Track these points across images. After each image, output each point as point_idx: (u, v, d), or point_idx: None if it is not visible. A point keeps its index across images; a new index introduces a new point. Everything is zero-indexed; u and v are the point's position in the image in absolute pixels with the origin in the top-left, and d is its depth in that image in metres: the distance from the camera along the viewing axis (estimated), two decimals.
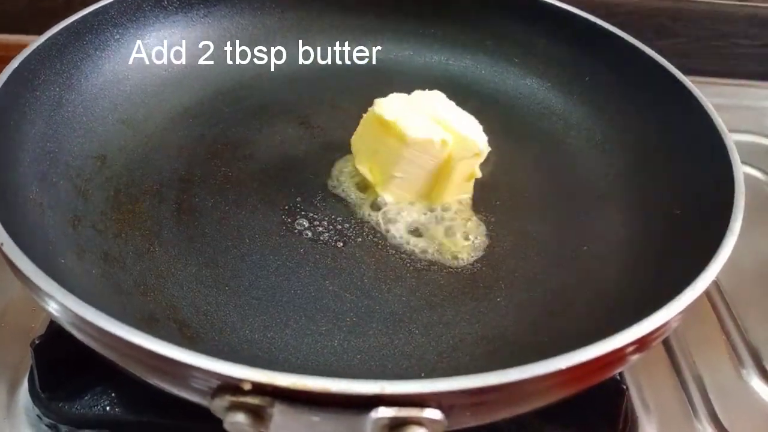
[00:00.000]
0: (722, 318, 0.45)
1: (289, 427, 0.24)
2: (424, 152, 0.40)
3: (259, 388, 0.25)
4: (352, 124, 0.48)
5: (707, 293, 0.46)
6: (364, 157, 0.42)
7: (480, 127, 0.41)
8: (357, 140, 0.43)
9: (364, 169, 0.42)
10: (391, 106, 0.40)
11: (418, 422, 0.25)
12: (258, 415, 0.25)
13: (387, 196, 0.41)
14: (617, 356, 0.28)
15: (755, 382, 0.41)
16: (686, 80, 0.44)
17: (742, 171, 0.37)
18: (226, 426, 0.25)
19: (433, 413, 0.25)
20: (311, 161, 0.45)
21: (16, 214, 0.35)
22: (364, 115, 0.42)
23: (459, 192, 0.42)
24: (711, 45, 0.70)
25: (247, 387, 0.25)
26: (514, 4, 0.51)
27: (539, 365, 0.26)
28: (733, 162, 0.37)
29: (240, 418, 0.25)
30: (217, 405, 0.25)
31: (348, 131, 0.47)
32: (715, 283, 0.47)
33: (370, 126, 0.41)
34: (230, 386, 0.25)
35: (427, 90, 0.42)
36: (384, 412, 0.25)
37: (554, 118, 0.49)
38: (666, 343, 0.42)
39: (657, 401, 0.39)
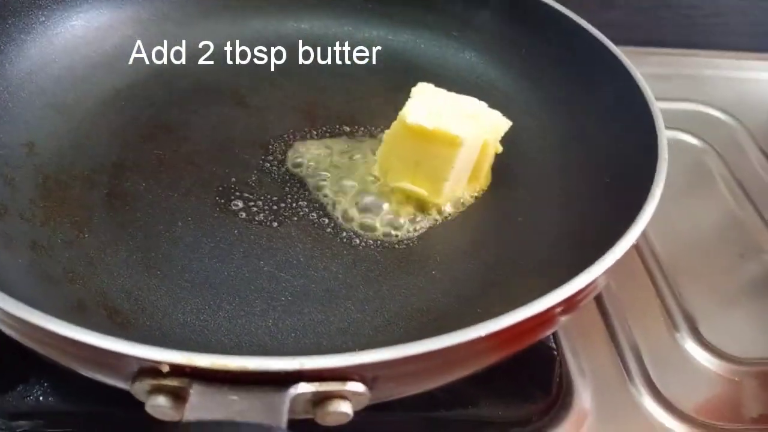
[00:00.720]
0: (657, 283, 0.46)
1: (207, 408, 0.24)
2: (472, 148, 0.39)
3: (177, 370, 0.25)
4: (290, 102, 0.48)
5: (642, 259, 0.47)
6: (401, 173, 0.40)
7: (485, 105, 0.41)
8: (387, 158, 0.41)
9: (406, 185, 0.40)
10: (418, 113, 0.38)
11: (341, 396, 0.25)
12: (179, 396, 0.25)
13: (446, 205, 0.41)
14: (544, 319, 0.28)
15: (689, 345, 0.43)
16: (616, 49, 0.44)
17: (665, 137, 0.37)
18: (147, 409, 0.25)
19: (356, 386, 0.25)
20: (247, 141, 0.45)
21: None
22: (387, 131, 0.41)
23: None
24: (656, 16, 0.71)
25: (165, 369, 0.25)
26: None
27: (459, 334, 0.26)
28: (657, 129, 0.37)
29: (161, 401, 0.25)
30: (138, 388, 0.25)
31: (285, 109, 0.47)
32: (651, 249, 0.48)
33: (404, 139, 0.39)
34: (149, 369, 0.25)
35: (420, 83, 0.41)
36: (304, 388, 0.25)
37: (494, 91, 0.49)
38: (601, 308, 0.43)
39: (592, 366, 0.40)
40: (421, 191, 0.40)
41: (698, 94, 0.63)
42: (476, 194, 0.42)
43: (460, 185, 0.41)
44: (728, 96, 0.63)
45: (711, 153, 0.57)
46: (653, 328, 0.43)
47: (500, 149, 0.42)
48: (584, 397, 0.38)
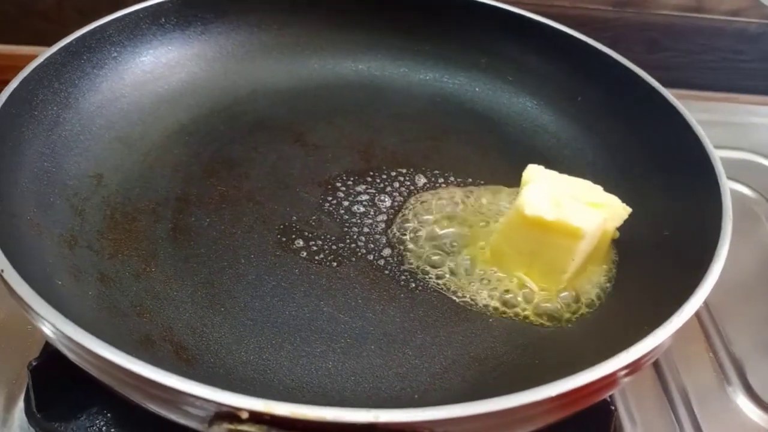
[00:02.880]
0: (708, 332, 0.46)
1: None
2: (593, 238, 0.38)
3: (255, 416, 0.25)
4: (347, 141, 0.49)
5: None
6: (515, 262, 0.39)
7: (601, 189, 0.39)
8: (502, 247, 0.40)
9: (522, 277, 0.39)
10: (537, 203, 0.37)
11: None
12: None
13: (566, 291, 0.39)
14: (608, 381, 0.29)
15: (740, 398, 0.42)
16: (674, 100, 0.45)
17: (729, 196, 0.38)
18: None
19: None
20: (306, 180, 0.46)
21: (14, 235, 0.35)
22: (501, 219, 0.39)
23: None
24: (701, 59, 0.71)
25: (244, 416, 0.25)
26: (507, 23, 0.51)
27: (529, 393, 0.26)
28: (721, 186, 0.38)
29: None
30: None
31: (343, 149, 0.48)
32: None
33: (520, 229, 0.38)
34: (227, 414, 0.26)
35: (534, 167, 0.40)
36: None
37: (547, 136, 0.50)
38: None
39: (644, 417, 0.40)
40: (535, 286, 0.39)
41: (744, 141, 0.63)
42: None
43: (579, 272, 0.39)
44: None
45: (760, 201, 0.57)
46: (703, 378, 0.43)
47: (617, 235, 0.40)
48: None
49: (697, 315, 0.47)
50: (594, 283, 0.40)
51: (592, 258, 0.40)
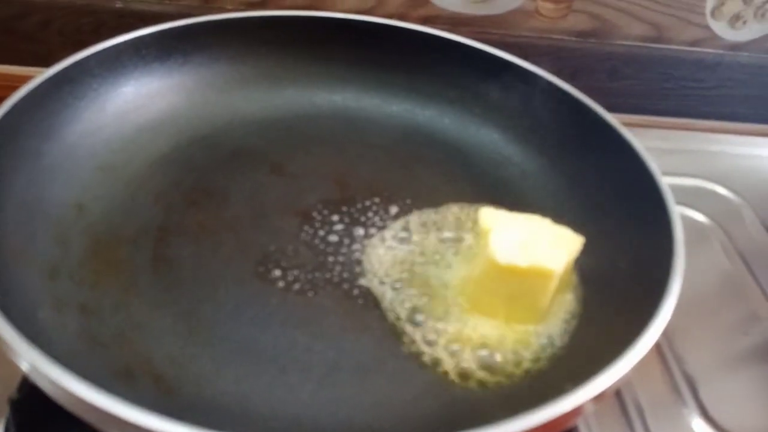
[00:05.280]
0: (663, 353, 0.49)
1: None
2: (561, 273, 0.39)
3: None
4: (323, 170, 0.50)
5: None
6: (495, 308, 0.41)
7: (550, 221, 0.41)
8: (479, 299, 0.41)
9: (499, 324, 0.41)
10: (507, 251, 0.38)
11: None
12: None
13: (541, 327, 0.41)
14: (572, 416, 0.31)
15: (696, 420, 0.45)
16: (624, 130, 0.48)
17: (682, 233, 0.40)
18: None
19: None
20: (284, 209, 0.47)
21: None
22: (477, 271, 0.41)
23: None
24: (661, 87, 0.75)
25: None
26: (473, 59, 0.53)
27: (513, 422, 0.29)
28: (674, 225, 0.40)
29: None
30: None
31: (319, 178, 0.50)
32: None
33: (497, 277, 0.39)
34: None
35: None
36: None
37: (512, 167, 0.52)
38: None
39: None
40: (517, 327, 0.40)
41: (701, 168, 0.66)
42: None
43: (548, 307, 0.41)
44: (732, 172, 0.66)
45: (714, 227, 0.60)
46: (660, 398, 0.46)
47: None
48: None
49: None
50: (563, 312, 0.42)
51: (558, 289, 0.42)
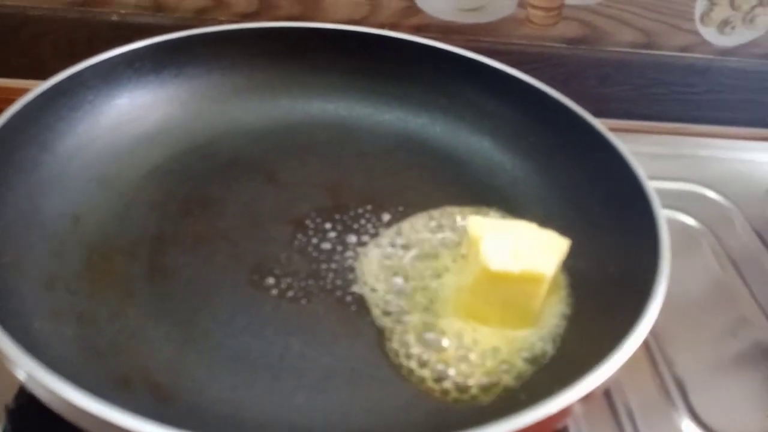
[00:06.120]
0: (653, 356, 0.49)
1: None
2: (552, 276, 0.40)
3: None
4: (316, 179, 0.51)
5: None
6: (490, 316, 0.41)
7: (536, 226, 0.42)
8: (472, 306, 0.41)
9: (493, 330, 0.41)
10: (499, 258, 0.39)
11: None
12: None
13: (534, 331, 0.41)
14: (560, 415, 0.32)
15: (685, 422, 0.46)
16: (610, 135, 0.48)
17: (668, 236, 0.41)
18: None
19: None
20: (278, 217, 0.48)
21: None
22: (469, 279, 0.41)
23: None
24: (651, 92, 0.75)
25: None
26: (464, 67, 0.54)
27: (504, 423, 0.30)
28: (659, 229, 0.41)
29: None
30: None
31: (312, 186, 0.50)
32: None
33: (490, 284, 0.40)
34: None
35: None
36: None
37: (503, 174, 0.53)
38: None
39: None
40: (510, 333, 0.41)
41: (692, 173, 0.67)
42: None
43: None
44: (722, 176, 0.67)
45: (704, 231, 0.61)
46: (650, 400, 0.46)
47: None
48: None
49: (644, 340, 0.51)
50: (552, 315, 0.42)
51: (548, 292, 0.43)
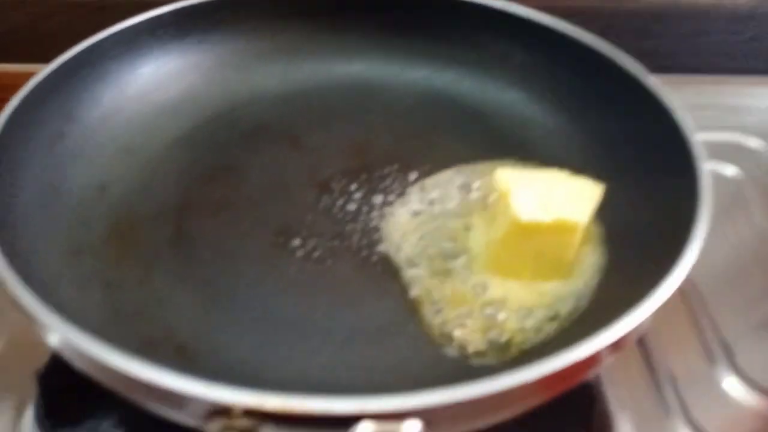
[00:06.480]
0: (696, 314, 0.47)
1: None
2: (585, 224, 0.39)
3: (248, 411, 0.27)
4: (341, 142, 0.50)
5: (681, 290, 0.48)
6: (521, 269, 0.40)
7: (569, 174, 0.41)
8: (503, 260, 0.40)
9: (523, 284, 0.40)
10: (529, 208, 0.38)
11: None
12: None
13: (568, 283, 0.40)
14: (589, 363, 0.30)
15: (727, 380, 0.43)
16: (652, 82, 0.46)
17: (708, 178, 0.39)
18: None
19: (413, 424, 0.28)
20: (302, 181, 0.47)
21: (19, 245, 0.37)
22: (499, 233, 0.39)
23: None
24: (692, 43, 0.72)
25: (237, 410, 0.27)
26: (491, 20, 0.52)
27: (523, 372, 0.28)
28: (699, 174, 0.39)
29: None
30: (211, 428, 0.28)
31: (337, 149, 0.49)
32: (690, 280, 0.49)
33: (521, 236, 0.38)
34: (222, 410, 0.28)
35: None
36: (366, 427, 0.27)
37: (535, 127, 0.51)
38: (640, 340, 0.44)
39: (632, 399, 0.41)
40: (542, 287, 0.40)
41: (736, 122, 0.63)
42: None
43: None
44: (766, 124, 0.63)
45: (748, 182, 0.58)
46: (691, 360, 0.44)
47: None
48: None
49: (686, 297, 0.49)
50: (586, 265, 0.41)
51: (581, 241, 0.41)
